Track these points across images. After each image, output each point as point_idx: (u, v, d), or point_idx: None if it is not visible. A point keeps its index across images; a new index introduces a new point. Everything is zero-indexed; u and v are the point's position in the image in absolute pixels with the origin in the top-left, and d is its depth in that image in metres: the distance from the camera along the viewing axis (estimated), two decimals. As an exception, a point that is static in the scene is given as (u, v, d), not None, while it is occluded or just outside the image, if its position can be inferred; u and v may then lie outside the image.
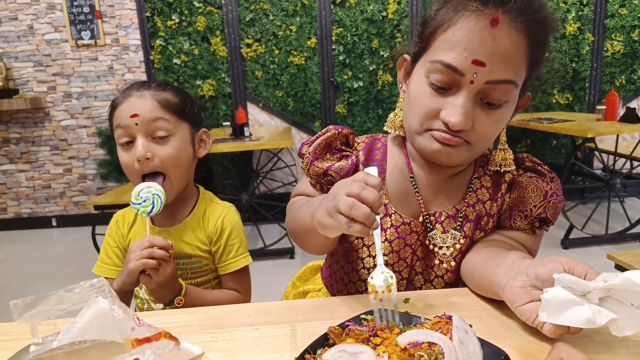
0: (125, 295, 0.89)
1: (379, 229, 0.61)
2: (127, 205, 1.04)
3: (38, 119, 3.82)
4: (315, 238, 0.71)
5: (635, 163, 3.53)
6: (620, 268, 1.50)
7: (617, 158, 3.15)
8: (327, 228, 0.61)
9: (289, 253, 3.06)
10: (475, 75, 0.63)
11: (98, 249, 2.73)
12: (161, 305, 0.97)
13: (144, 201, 0.87)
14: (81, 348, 0.43)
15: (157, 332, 0.44)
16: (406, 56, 0.75)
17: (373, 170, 0.64)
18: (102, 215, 2.55)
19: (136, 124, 0.88)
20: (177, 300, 0.87)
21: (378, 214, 0.58)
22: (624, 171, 3.44)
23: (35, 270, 3.08)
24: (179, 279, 0.89)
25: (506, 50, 0.62)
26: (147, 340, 0.42)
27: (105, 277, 0.95)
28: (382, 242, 0.78)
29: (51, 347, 0.41)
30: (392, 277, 0.60)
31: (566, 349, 0.49)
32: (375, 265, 0.78)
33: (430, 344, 0.52)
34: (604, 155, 3.71)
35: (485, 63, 0.62)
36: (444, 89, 0.66)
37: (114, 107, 0.92)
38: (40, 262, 3.21)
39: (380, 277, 0.60)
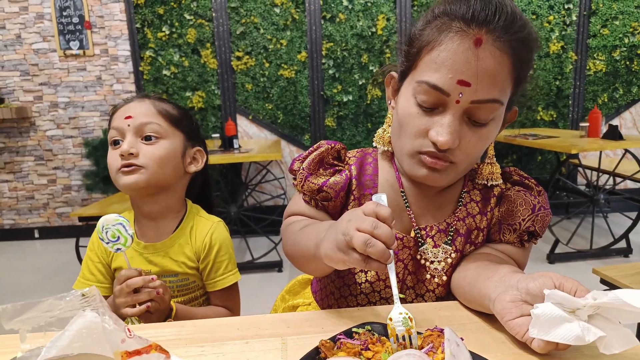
0: None
1: (393, 263, 0.59)
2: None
3: (23, 129, 3.76)
4: (319, 266, 0.70)
5: (618, 179, 3.60)
6: (606, 283, 1.52)
7: (600, 174, 3.22)
8: (337, 262, 0.59)
9: (277, 266, 3.04)
10: (460, 95, 0.64)
11: (82, 262, 2.67)
12: None
13: (114, 239, 0.82)
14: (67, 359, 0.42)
15: (148, 345, 0.43)
16: (394, 74, 0.77)
17: (382, 199, 0.62)
18: (87, 227, 2.51)
19: (128, 125, 0.89)
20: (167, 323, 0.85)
21: (392, 249, 0.56)
22: (607, 187, 3.51)
23: (17, 282, 3.00)
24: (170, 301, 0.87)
25: (490, 70, 0.63)
26: (137, 352, 0.41)
27: None
28: None
29: (38, 358, 0.40)
30: (411, 320, 0.57)
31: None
32: (367, 281, 0.78)
33: None
34: (588, 172, 3.79)
35: (471, 83, 0.63)
36: (430, 109, 0.67)
37: (114, 112, 0.93)
38: (22, 275, 3.13)
39: (399, 319, 0.57)
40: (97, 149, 3.57)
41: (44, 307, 0.41)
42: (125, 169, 0.88)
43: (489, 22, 0.62)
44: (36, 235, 3.93)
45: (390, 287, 0.78)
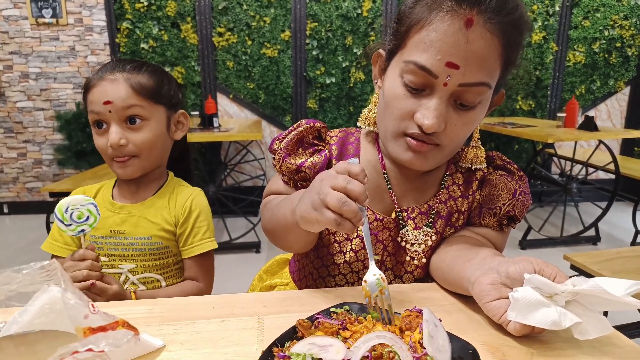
0: None
1: (367, 227, 0.60)
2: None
3: (-9, 99, 3.60)
4: (297, 235, 0.69)
5: (591, 169, 3.70)
6: (576, 269, 1.56)
7: (574, 164, 3.29)
8: (312, 223, 0.59)
9: (254, 247, 3.03)
10: (448, 77, 0.62)
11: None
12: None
13: (80, 220, 0.79)
14: (31, 337, 0.40)
15: (114, 321, 0.41)
16: (381, 52, 0.74)
17: (354, 161, 0.63)
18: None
19: (109, 112, 0.87)
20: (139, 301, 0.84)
21: (364, 207, 0.57)
22: (579, 177, 3.60)
23: (-17, 258, 2.91)
24: (128, 293, 0.87)
25: (480, 52, 0.62)
26: (102, 329, 0.39)
27: (56, 255, 0.94)
28: (354, 238, 0.77)
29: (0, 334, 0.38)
30: (384, 280, 0.59)
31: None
32: (345, 262, 0.78)
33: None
34: (562, 161, 3.88)
35: (459, 66, 0.61)
36: (418, 90, 0.66)
37: (87, 88, 0.90)
38: (-11, 251, 3.04)
39: (373, 280, 0.60)
40: (70, 123, 3.44)
41: (1, 280, 0.38)
42: (119, 159, 0.90)
43: (481, 3, 0.61)
44: (5, 210, 3.80)
45: (366, 267, 0.78)
